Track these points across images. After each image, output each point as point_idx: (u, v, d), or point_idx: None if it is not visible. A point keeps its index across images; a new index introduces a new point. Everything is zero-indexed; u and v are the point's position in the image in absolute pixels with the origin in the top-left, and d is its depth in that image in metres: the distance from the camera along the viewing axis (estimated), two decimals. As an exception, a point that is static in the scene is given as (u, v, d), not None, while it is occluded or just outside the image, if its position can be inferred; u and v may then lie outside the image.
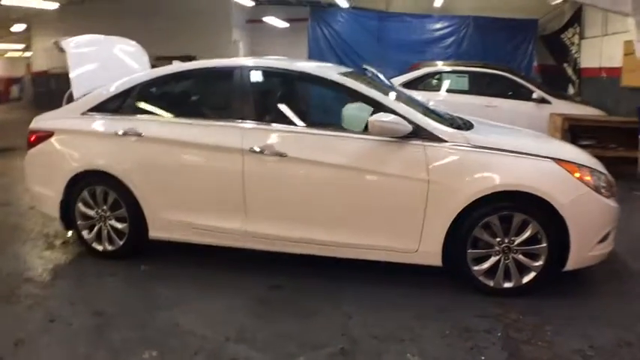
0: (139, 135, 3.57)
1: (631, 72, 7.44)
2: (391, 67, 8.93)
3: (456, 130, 3.28)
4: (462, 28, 11.29)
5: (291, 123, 3.50)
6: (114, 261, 3.75)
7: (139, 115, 3.73)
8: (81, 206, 3.76)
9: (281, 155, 3.27)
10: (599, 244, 3.22)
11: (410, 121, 3.17)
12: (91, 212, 3.75)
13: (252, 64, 3.63)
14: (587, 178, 3.20)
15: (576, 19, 9.97)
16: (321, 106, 5.29)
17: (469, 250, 3.19)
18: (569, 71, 10.33)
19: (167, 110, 3.79)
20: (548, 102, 7.49)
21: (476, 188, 3.09)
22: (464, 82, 7.86)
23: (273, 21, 13.67)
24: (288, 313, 3.05)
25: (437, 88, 8.23)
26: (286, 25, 13.97)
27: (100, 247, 3.79)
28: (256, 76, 3.56)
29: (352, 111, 7.57)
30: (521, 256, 3.18)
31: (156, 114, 3.79)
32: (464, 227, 3.15)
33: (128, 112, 3.74)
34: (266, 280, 3.44)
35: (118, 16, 12.59)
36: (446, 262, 3.24)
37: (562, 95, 8.56)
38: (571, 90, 10.23)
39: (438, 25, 11.57)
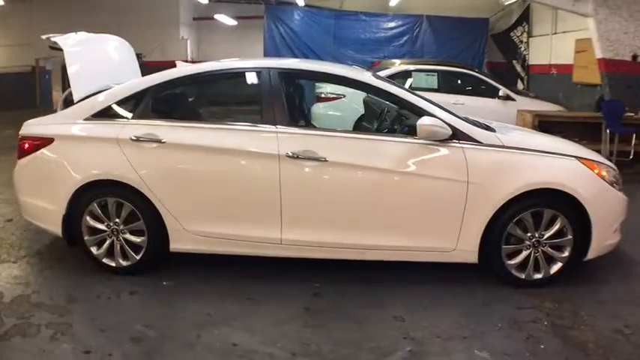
0: (160, 141, 3.34)
1: (582, 69, 8.00)
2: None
3: (489, 132, 3.37)
4: (416, 26, 11.63)
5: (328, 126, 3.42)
6: (129, 277, 3.48)
7: (155, 120, 3.44)
8: (89, 220, 3.46)
9: (320, 160, 3.20)
10: (613, 234, 3.46)
11: (449, 124, 3.22)
12: (102, 226, 3.47)
13: (285, 66, 3.52)
14: (604, 173, 3.43)
15: (525, 18, 10.60)
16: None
17: (504, 246, 3.31)
18: (519, 68, 10.96)
19: (189, 115, 3.56)
20: (512, 99, 7.89)
21: (513, 187, 3.20)
22: (432, 80, 8.07)
23: (222, 18, 13.31)
24: (339, 320, 3.00)
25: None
26: (234, 22, 13.65)
27: (112, 263, 3.51)
28: (289, 79, 3.44)
29: (322, 109, 7.60)
30: (549, 249, 3.34)
31: (177, 119, 3.54)
32: (499, 224, 3.26)
33: (141, 116, 3.45)
34: (303, 288, 3.35)
35: (60, 14, 11.91)
36: (480, 258, 3.33)
37: (522, 92, 9.05)
38: (520, 85, 10.87)
39: (393, 24, 11.84)
